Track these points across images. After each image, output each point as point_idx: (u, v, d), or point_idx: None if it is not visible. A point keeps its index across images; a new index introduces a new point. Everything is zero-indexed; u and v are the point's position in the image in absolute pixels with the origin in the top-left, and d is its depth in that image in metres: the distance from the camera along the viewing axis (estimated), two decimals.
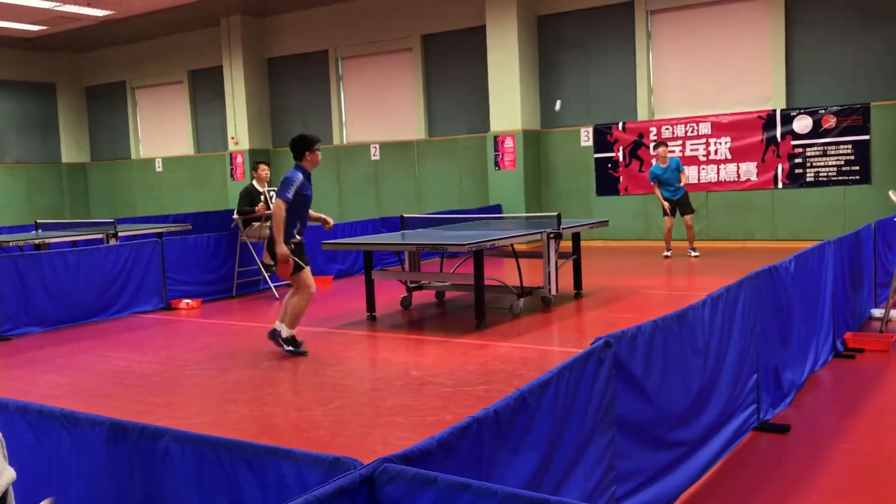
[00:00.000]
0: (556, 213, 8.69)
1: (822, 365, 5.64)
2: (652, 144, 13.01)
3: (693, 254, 12.34)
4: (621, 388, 3.01)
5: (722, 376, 3.92)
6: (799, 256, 5.08)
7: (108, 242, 10.85)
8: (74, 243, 11.30)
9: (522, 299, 8.36)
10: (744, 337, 4.20)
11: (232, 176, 19.23)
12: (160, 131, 21.60)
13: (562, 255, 8.82)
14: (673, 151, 14.22)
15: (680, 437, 3.47)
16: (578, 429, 2.70)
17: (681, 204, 12.35)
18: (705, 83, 14.03)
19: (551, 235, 8.30)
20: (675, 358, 3.43)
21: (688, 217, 12.33)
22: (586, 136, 15.03)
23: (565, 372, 2.61)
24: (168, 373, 6.54)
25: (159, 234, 11.47)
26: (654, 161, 12.69)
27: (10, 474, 1.72)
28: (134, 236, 11.60)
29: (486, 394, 5.45)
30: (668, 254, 12.50)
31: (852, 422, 4.56)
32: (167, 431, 2.31)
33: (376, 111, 17.80)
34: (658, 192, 12.39)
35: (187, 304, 9.76)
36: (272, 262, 10.33)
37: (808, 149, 13.05)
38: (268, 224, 10.33)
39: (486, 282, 7.97)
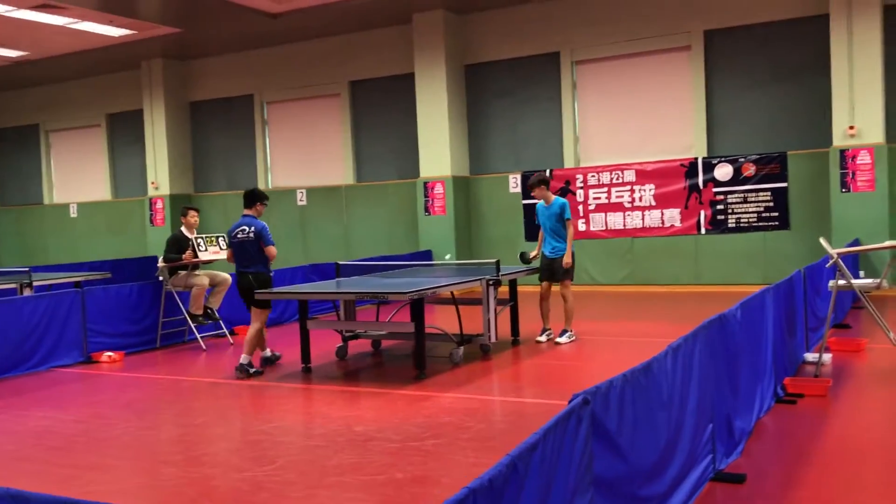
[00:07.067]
0: (495, 260, 8.66)
1: (766, 411, 5.69)
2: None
3: (557, 339, 8.97)
4: (598, 446, 2.93)
5: (684, 427, 3.89)
6: (744, 304, 5.14)
7: (21, 293, 10.29)
8: None
9: (462, 347, 8.26)
10: (701, 386, 4.18)
11: (151, 221, 18.68)
12: (76, 176, 20.87)
13: (499, 302, 8.76)
14: (599, 197, 14.45)
15: (650, 492, 3.40)
16: (562, 491, 2.60)
17: (553, 267, 9.07)
18: (629, 131, 14.38)
19: (490, 282, 8.25)
20: (644, 411, 3.38)
21: (562, 285, 9.07)
22: (514, 183, 15.18)
23: (549, 433, 2.51)
24: (94, 432, 6.16)
25: (77, 283, 10.95)
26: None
27: None
28: (50, 286, 11.05)
29: (435, 449, 5.29)
30: (541, 337, 9.09)
31: (804, 469, 4.58)
32: None
33: (303, 156, 17.62)
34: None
35: (109, 356, 9.29)
36: (198, 313, 10.03)
37: (729, 196, 13.47)
38: (195, 272, 10.01)
39: (426, 330, 7.84)
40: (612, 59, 14.38)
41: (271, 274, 8.53)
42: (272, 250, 8.22)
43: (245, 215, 8.40)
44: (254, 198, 8.44)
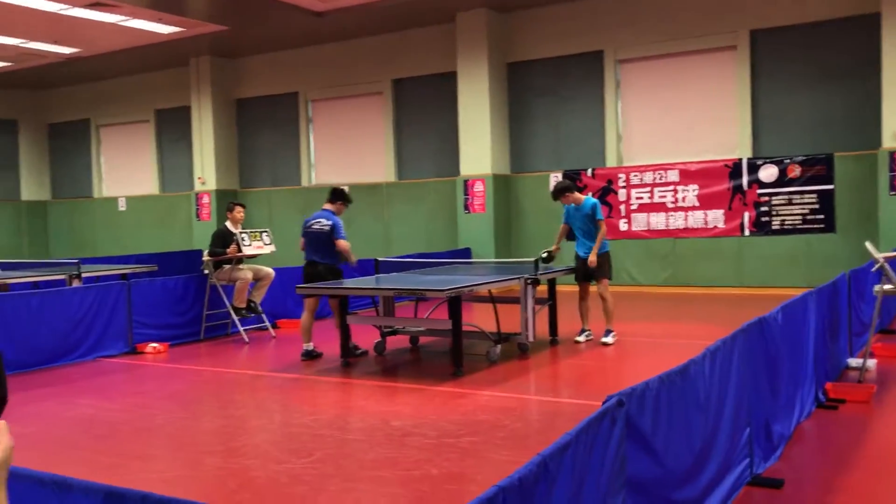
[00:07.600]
0: (534, 259, 8.65)
1: (807, 416, 5.63)
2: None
3: (603, 339, 8.93)
4: (631, 448, 2.93)
5: (721, 431, 3.87)
6: (785, 307, 5.08)
7: (70, 284, 10.55)
8: (35, 284, 10.97)
9: (500, 346, 8.28)
10: (739, 390, 4.16)
11: (197, 216, 18.99)
12: (124, 170, 21.32)
13: (538, 301, 8.76)
14: (642, 198, 14.35)
15: (685, 496, 3.40)
16: (593, 492, 2.61)
17: (587, 267, 9.03)
18: (673, 131, 14.24)
19: (529, 281, 8.25)
20: (680, 414, 3.37)
21: (599, 284, 9.08)
22: (555, 182, 15.09)
23: (582, 434, 2.53)
24: (138, 421, 6.31)
25: (124, 276, 11.21)
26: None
27: None
28: (98, 278, 11.32)
29: (471, 446, 5.33)
30: (580, 338, 9.09)
31: (845, 477, 4.53)
32: (171, 502, 2.17)
33: (345, 153, 17.77)
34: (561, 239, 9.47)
35: (154, 348, 9.50)
36: (241, 307, 10.21)
37: (773, 197, 13.27)
38: (239, 266, 10.17)
39: (463, 328, 7.87)
40: (657, 58, 14.25)
41: (340, 266, 8.86)
42: (341, 243, 8.56)
43: (325, 209, 8.80)
44: (338, 195, 8.86)
